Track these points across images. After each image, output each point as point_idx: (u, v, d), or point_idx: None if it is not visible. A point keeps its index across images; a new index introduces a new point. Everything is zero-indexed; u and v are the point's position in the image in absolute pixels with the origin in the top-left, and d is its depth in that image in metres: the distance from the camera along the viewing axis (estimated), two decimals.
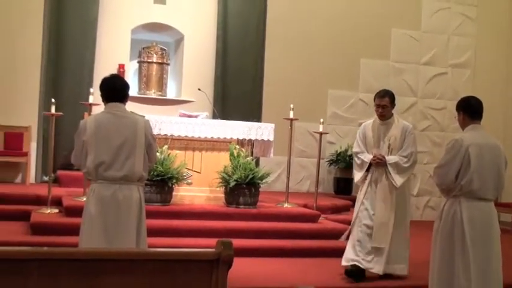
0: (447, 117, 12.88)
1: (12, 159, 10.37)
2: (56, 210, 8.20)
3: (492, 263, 5.14)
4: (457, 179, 5.11)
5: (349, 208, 10.55)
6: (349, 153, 11.79)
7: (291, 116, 9.38)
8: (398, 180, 6.52)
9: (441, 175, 5.24)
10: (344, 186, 11.77)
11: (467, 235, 5.04)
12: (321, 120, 9.73)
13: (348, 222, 9.20)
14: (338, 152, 11.86)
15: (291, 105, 9.33)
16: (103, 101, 5.18)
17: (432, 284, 5.30)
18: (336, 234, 8.50)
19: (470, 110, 5.31)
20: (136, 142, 4.98)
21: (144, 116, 5.32)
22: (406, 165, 6.57)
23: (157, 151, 7.18)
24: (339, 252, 8.00)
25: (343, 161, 11.71)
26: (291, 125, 9.44)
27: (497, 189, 5.30)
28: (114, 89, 5.12)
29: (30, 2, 10.57)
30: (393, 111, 6.89)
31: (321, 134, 9.60)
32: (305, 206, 9.47)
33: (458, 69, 12.98)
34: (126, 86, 5.21)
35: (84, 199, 7.99)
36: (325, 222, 8.95)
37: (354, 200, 11.37)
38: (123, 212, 4.91)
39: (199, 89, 10.61)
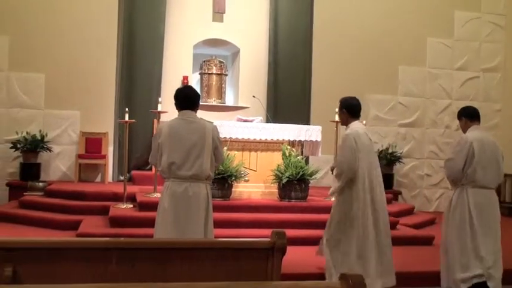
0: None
1: (92, 161, 10.58)
2: (131, 206, 8.34)
3: (495, 240, 5.47)
4: (463, 170, 5.43)
5: (390, 201, 10.42)
6: (389, 151, 11.67)
7: (337, 118, 9.31)
8: (331, 189, 5.70)
9: (450, 167, 5.55)
10: (385, 181, 11.45)
11: (474, 217, 5.38)
12: (364, 122, 9.62)
13: (390, 214, 9.12)
14: (380, 150, 11.73)
15: (336, 109, 9.26)
16: (177, 108, 5.22)
17: (443, 256, 5.61)
18: None
19: (469, 114, 5.75)
20: (204, 145, 5.02)
21: (212, 122, 5.35)
22: (334, 174, 5.68)
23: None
24: None
25: (385, 159, 11.57)
26: (336, 127, 9.37)
27: (499, 178, 5.61)
28: (188, 98, 5.19)
29: (105, 24, 10.77)
30: (359, 120, 5.85)
31: None
32: None
33: (490, 73, 12.69)
34: (197, 96, 5.28)
35: (155, 195, 8.17)
36: None
37: (395, 194, 11.36)
38: (193, 207, 4.96)
39: (254, 96, 10.66)
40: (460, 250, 5.46)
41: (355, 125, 5.66)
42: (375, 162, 5.71)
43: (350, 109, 5.65)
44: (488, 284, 5.40)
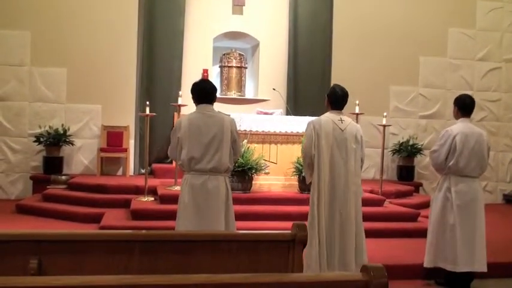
0: (502, 108, 12.50)
1: (114, 154, 10.66)
2: (152, 198, 8.40)
3: (477, 225, 5.75)
4: (446, 160, 5.78)
5: (411, 193, 10.39)
6: (410, 143, 11.61)
7: (357, 110, 9.29)
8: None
9: (434, 158, 5.91)
10: (406, 173, 11.58)
11: (455, 203, 5.73)
12: (384, 113, 9.60)
13: (411, 206, 9.09)
14: (400, 142, 11.68)
15: (357, 101, 9.23)
16: (194, 102, 5.24)
17: (430, 235, 5.94)
18: (400, 217, 8.40)
19: (462, 107, 5.93)
20: (223, 138, 5.05)
21: (229, 115, 5.37)
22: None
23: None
24: (404, 233, 7.92)
25: (405, 151, 11.52)
26: (356, 119, 9.33)
27: (481, 168, 5.90)
28: (205, 92, 5.19)
29: (126, 19, 10.81)
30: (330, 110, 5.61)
31: (384, 126, 9.48)
32: (371, 191, 9.37)
33: None
34: (214, 89, 5.26)
35: (176, 188, 8.22)
36: (390, 206, 8.83)
37: (416, 186, 11.30)
38: (212, 199, 5.00)
39: (274, 89, 10.65)
40: (437, 238, 5.84)
41: (326, 114, 5.58)
42: (342, 152, 5.42)
43: (330, 98, 5.60)
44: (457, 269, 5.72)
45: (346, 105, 5.66)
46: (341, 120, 5.49)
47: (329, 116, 5.52)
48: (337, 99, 5.55)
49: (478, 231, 5.78)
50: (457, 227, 5.70)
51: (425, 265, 5.96)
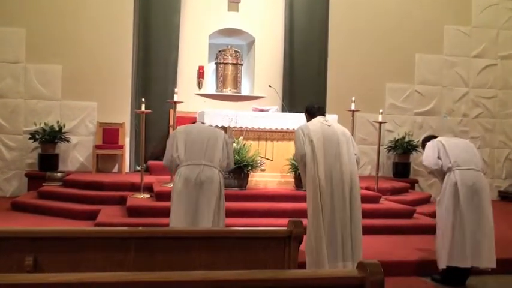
0: (498, 105, 12.53)
1: (109, 151, 10.64)
2: (148, 195, 8.38)
3: (484, 221, 5.79)
4: (441, 160, 5.89)
5: (407, 190, 10.41)
6: (406, 140, 11.62)
7: (353, 107, 9.28)
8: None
9: (428, 162, 6.00)
10: (402, 170, 11.60)
11: (461, 196, 5.74)
12: (380, 110, 9.60)
13: (406, 203, 9.10)
14: (396, 139, 11.69)
15: (353, 98, 9.23)
16: None
17: (438, 233, 5.91)
18: (396, 214, 8.41)
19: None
20: (217, 139, 5.53)
21: None
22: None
23: (233, 146, 7.40)
24: (399, 230, 7.94)
25: (401, 147, 11.54)
26: (352, 116, 9.34)
27: (479, 162, 6.01)
28: None
29: (121, 15, 10.79)
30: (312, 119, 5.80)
31: (380, 123, 9.48)
32: (367, 188, 9.36)
33: (507, 60, 12.58)
34: None
35: (172, 185, 8.21)
36: (386, 203, 8.84)
37: (411, 183, 11.31)
38: (205, 190, 5.24)
39: (269, 86, 10.64)
40: (447, 233, 5.79)
41: (311, 121, 5.75)
42: (333, 145, 5.53)
43: (309, 111, 5.91)
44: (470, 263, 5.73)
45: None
46: (326, 120, 5.73)
47: (315, 119, 5.74)
48: (317, 109, 5.85)
49: (487, 226, 5.79)
50: (465, 223, 5.70)
51: (440, 267, 5.83)
